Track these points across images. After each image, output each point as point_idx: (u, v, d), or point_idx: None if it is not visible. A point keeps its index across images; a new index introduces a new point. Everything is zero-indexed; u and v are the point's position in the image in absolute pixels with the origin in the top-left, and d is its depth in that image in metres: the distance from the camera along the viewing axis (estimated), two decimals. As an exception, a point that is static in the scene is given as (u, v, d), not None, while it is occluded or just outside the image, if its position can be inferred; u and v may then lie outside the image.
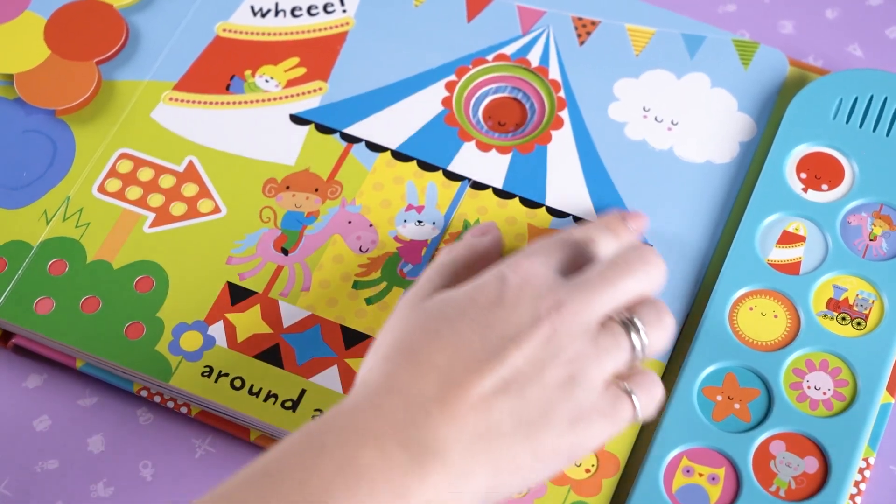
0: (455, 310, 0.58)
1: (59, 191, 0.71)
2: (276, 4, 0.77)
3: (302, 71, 0.75)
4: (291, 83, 0.75)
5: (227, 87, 0.75)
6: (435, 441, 0.54)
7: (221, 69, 0.75)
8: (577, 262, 0.62)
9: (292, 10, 0.77)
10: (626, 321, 0.59)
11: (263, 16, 0.77)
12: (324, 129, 0.73)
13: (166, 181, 0.72)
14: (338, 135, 0.73)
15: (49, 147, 0.72)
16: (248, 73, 0.75)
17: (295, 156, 0.73)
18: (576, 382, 0.57)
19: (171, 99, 0.74)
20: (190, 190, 0.71)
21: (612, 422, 0.58)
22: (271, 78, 0.75)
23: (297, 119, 0.74)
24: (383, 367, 0.57)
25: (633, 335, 0.59)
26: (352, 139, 0.73)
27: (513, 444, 0.55)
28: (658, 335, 0.60)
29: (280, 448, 0.54)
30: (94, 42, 0.75)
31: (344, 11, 0.77)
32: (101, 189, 0.72)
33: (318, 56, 0.76)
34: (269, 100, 0.74)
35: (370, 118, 0.74)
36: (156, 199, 0.71)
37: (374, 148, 0.73)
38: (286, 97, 0.74)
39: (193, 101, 0.74)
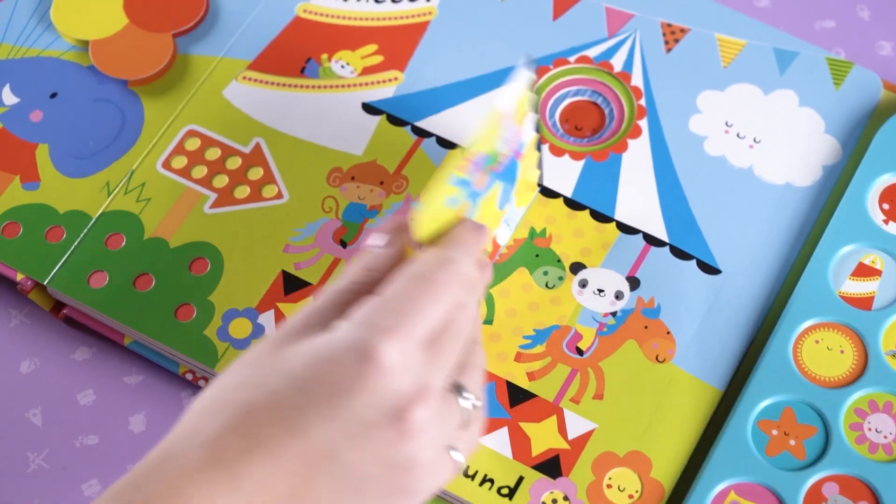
0: (308, 385, 0.50)
1: (124, 163, 0.71)
2: (360, -12, 0.76)
3: (379, 59, 0.74)
4: (367, 71, 0.73)
5: (302, 70, 0.73)
6: None
7: (298, 51, 0.74)
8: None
9: (374, -5, 0.76)
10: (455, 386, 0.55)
11: (345, 0, 0.76)
12: (395, 121, 0.72)
13: (232, 162, 0.71)
14: (409, 128, 0.72)
15: (118, 118, 0.72)
16: (324, 56, 0.74)
17: (363, 146, 0.71)
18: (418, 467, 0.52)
19: (244, 77, 0.73)
20: (255, 173, 0.70)
21: (440, 480, 0.54)
22: (347, 64, 0.73)
23: (369, 108, 0.72)
24: (215, 421, 0.50)
25: (461, 400, 0.54)
26: (423, 133, 0.71)
27: None
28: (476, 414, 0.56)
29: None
30: (173, 14, 0.74)
31: (428, 0, 0.75)
32: (166, 165, 0.71)
33: (396, 45, 0.74)
34: (343, 86, 0.73)
35: (444, 113, 0.72)
36: (220, 180, 0.70)
37: (445, 144, 0.71)
38: (360, 85, 0.73)
39: (267, 82, 0.73)
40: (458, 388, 0.54)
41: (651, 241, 0.68)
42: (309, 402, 0.50)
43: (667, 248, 0.68)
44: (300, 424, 0.49)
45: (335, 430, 0.50)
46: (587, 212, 0.70)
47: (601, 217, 0.69)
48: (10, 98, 0.72)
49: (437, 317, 0.52)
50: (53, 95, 0.73)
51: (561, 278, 0.68)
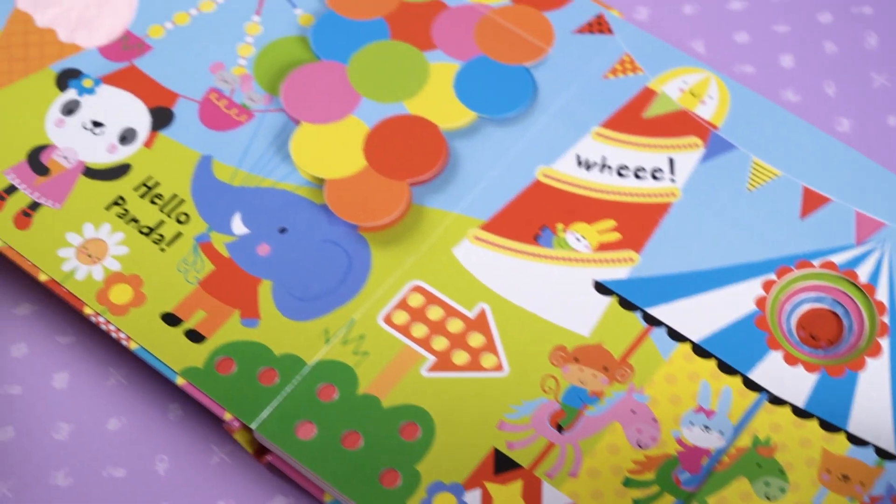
0: None
1: (345, 311, 0.69)
2: (604, 159, 0.74)
3: (616, 236, 0.71)
4: (603, 247, 0.71)
5: (536, 238, 0.71)
6: None
7: (534, 216, 0.72)
8: None
9: (619, 169, 0.73)
10: None
11: (588, 168, 0.74)
12: (626, 305, 0.69)
13: (454, 325, 0.69)
14: (640, 313, 0.69)
15: (344, 262, 0.70)
16: (559, 226, 0.71)
17: (591, 327, 0.69)
18: None
19: (476, 238, 0.71)
20: (476, 340, 0.68)
21: None
22: (583, 237, 0.71)
23: (601, 287, 0.70)
24: None
25: None
26: (653, 321, 0.69)
27: None
28: None
29: None
30: (412, 162, 0.73)
31: (672, 181, 0.73)
32: (387, 319, 0.69)
33: (635, 223, 0.72)
34: (576, 260, 0.70)
35: (677, 302, 0.69)
36: (440, 342, 0.68)
37: (675, 336, 0.68)
38: (594, 261, 0.70)
39: (499, 245, 0.71)
40: None
41: (884, 455, 0.65)
42: None
43: (901, 471, 0.64)
44: None
45: None
46: (816, 421, 0.66)
47: (831, 427, 0.66)
48: (239, 228, 0.71)
49: None
50: (283, 230, 0.71)
51: (783, 490, 0.65)
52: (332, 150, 0.74)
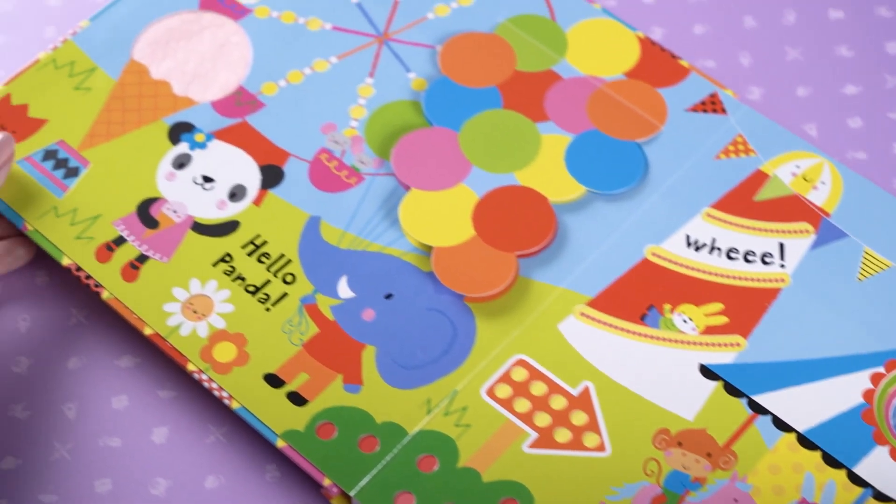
0: None
1: (448, 382, 0.69)
2: (713, 241, 0.73)
3: (723, 320, 0.70)
4: (709, 330, 0.70)
5: (643, 317, 0.71)
6: None
7: (641, 295, 0.71)
8: None
9: (728, 251, 0.73)
10: None
11: (697, 249, 0.73)
12: (732, 391, 0.68)
13: (557, 402, 0.68)
14: (745, 400, 0.68)
15: (449, 332, 0.70)
16: (667, 306, 0.71)
17: (695, 411, 0.68)
18: None
19: (582, 314, 0.71)
20: (579, 418, 0.68)
21: None
22: (690, 319, 0.70)
23: (707, 371, 0.69)
24: None
25: None
26: (759, 409, 0.68)
27: None
28: None
29: None
30: (521, 234, 0.73)
31: (782, 266, 0.72)
32: (490, 392, 0.68)
33: (743, 308, 0.71)
34: (682, 342, 0.70)
35: (784, 391, 0.69)
36: (542, 419, 0.68)
37: (781, 425, 0.67)
38: (700, 344, 0.70)
39: (605, 323, 0.70)
40: None
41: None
42: None
43: None
44: None
45: None
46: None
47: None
48: (345, 291, 0.71)
49: None
50: (388, 296, 0.71)
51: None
52: (440, 217, 0.74)
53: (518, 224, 0.73)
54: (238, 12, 0.82)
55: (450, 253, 0.72)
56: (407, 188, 0.75)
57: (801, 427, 0.68)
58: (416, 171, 0.74)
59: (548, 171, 0.75)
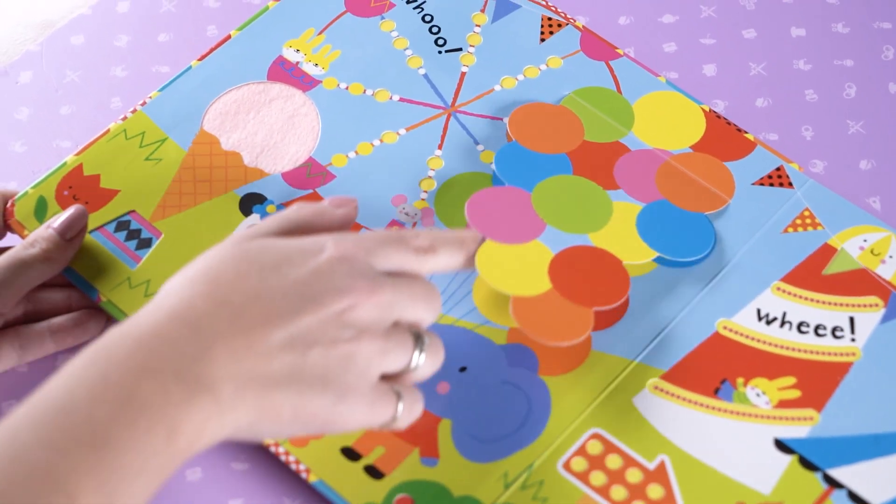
0: (270, 259, 0.60)
1: (525, 455, 0.69)
2: (784, 314, 0.74)
3: (796, 394, 0.71)
4: (783, 404, 0.71)
5: (716, 391, 0.71)
6: (211, 377, 0.56)
7: (714, 369, 0.72)
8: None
9: (799, 325, 0.73)
10: (417, 335, 0.63)
11: (769, 323, 0.73)
12: (807, 464, 0.69)
13: (633, 475, 0.68)
14: (820, 474, 0.68)
15: (524, 405, 0.70)
16: (739, 380, 0.71)
17: (771, 485, 0.68)
18: (356, 363, 0.60)
19: (656, 388, 0.71)
20: (655, 492, 0.68)
21: (372, 414, 0.61)
22: (763, 393, 0.71)
23: (781, 445, 0.69)
24: (183, 290, 0.59)
25: (416, 349, 0.63)
26: (834, 483, 0.68)
27: (281, 396, 0.58)
28: (430, 362, 0.64)
29: (68, 375, 0.55)
30: (598, 290, 0.73)
31: (853, 340, 0.73)
32: (566, 466, 0.69)
33: (815, 382, 0.71)
34: (756, 416, 0.70)
35: (859, 465, 0.69)
36: (618, 493, 0.68)
37: (856, 500, 0.68)
38: (774, 418, 0.70)
39: (679, 397, 0.71)
40: (416, 335, 0.63)
41: None
42: (276, 269, 0.60)
43: None
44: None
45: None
46: None
47: None
48: (421, 365, 0.71)
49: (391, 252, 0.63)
50: (463, 369, 0.72)
51: None
52: (517, 268, 0.73)
53: (594, 281, 0.74)
54: (306, 83, 0.83)
55: (528, 303, 0.72)
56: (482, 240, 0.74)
57: (876, 501, 0.68)
58: (492, 224, 0.74)
59: (620, 236, 0.76)
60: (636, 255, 0.75)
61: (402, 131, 0.81)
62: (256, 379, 0.58)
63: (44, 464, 0.53)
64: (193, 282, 0.60)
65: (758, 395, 0.71)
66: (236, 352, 0.58)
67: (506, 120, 0.80)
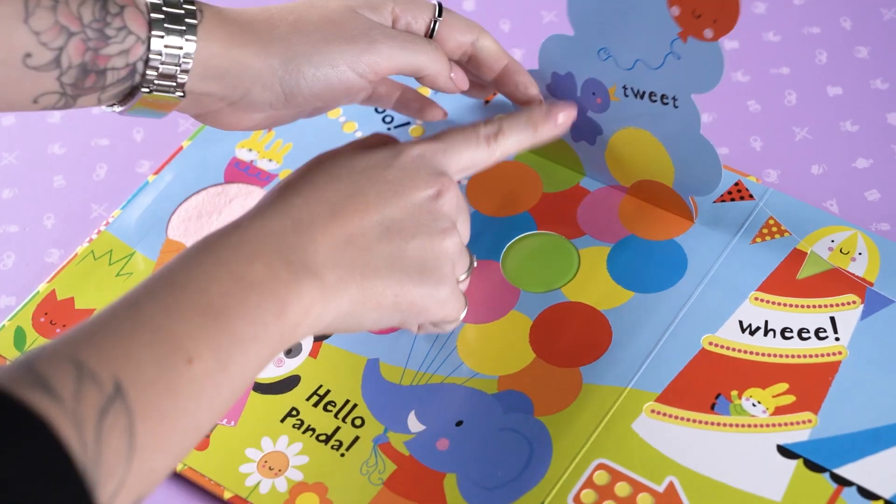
0: (359, 164, 0.67)
1: (534, 495, 0.69)
2: (766, 323, 0.74)
3: (791, 399, 0.71)
4: (780, 411, 0.71)
5: (712, 407, 0.71)
6: (315, 263, 0.61)
7: (707, 385, 0.72)
8: None
9: (782, 331, 0.74)
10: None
11: (752, 333, 0.74)
12: (813, 467, 0.69)
13: (645, 500, 0.69)
14: (828, 474, 0.69)
15: (526, 448, 0.71)
16: (734, 393, 0.72)
17: (781, 491, 0.69)
18: (448, 256, 0.66)
19: (653, 411, 0.71)
20: (669, 514, 0.68)
21: (457, 306, 0.68)
22: (758, 402, 0.71)
23: (784, 451, 0.70)
24: (281, 193, 0.65)
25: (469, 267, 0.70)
26: (843, 481, 0.68)
27: (383, 283, 0.64)
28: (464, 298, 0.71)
29: (181, 260, 0.59)
30: (581, 348, 0.74)
31: (837, 339, 0.73)
32: (577, 499, 0.69)
33: (808, 385, 0.72)
34: (756, 426, 0.71)
35: (864, 460, 0.69)
36: (632, 520, 0.68)
37: (867, 495, 0.68)
38: (773, 425, 0.71)
39: (677, 417, 0.71)
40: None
41: None
42: (364, 172, 0.67)
43: None
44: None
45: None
46: None
47: None
48: (416, 425, 0.72)
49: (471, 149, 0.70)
50: (459, 423, 0.72)
51: None
52: (500, 346, 0.75)
53: (576, 339, 0.74)
54: (263, 179, 0.83)
55: (515, 379, 0.73)
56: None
57: (887, 493, 0.68)
58: (468, 307, 0.75)
59: (594, 282, 0.77)
60: (612, 300, 0.76)
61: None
62: (359, 268, 0.63)
63: (165, 329, 0.55)
64: (289, 186, 0.65)
65: (754, 405, 0.72)
66: (338, 243, 0.63)
67: (464, 183, 0.81)
